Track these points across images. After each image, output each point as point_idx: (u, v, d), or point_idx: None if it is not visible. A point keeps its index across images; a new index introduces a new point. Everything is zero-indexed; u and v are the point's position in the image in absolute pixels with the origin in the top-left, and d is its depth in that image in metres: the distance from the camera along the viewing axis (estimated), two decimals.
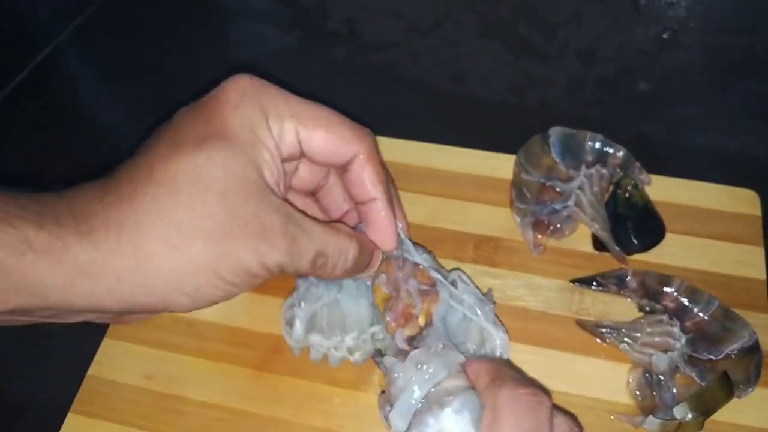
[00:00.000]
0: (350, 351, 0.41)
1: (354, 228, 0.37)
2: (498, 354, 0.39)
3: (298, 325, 0.41)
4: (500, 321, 0.41)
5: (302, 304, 0.41)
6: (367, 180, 0.36)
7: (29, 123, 0.61)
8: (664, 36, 0.62)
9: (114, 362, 0.44)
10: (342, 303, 0.41)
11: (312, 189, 0.40)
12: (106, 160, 0.56)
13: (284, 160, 0.34)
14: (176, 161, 0.30)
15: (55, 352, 0.48)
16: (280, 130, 0.33)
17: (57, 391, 0.44)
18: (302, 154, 0.35)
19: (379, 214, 0.37)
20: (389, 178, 0.39)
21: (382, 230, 0.37)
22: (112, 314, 0.32)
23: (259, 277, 0.32)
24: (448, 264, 0.46)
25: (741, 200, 0.49)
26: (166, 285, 0.30)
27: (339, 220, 0.40)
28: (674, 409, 0.38)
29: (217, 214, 0.30)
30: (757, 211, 0.48)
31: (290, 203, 0.33)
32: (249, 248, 0.30)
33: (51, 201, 0.29)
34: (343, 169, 0.37)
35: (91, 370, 0.44)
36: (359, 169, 0.36)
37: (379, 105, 0.59)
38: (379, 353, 0.40)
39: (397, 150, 0.53)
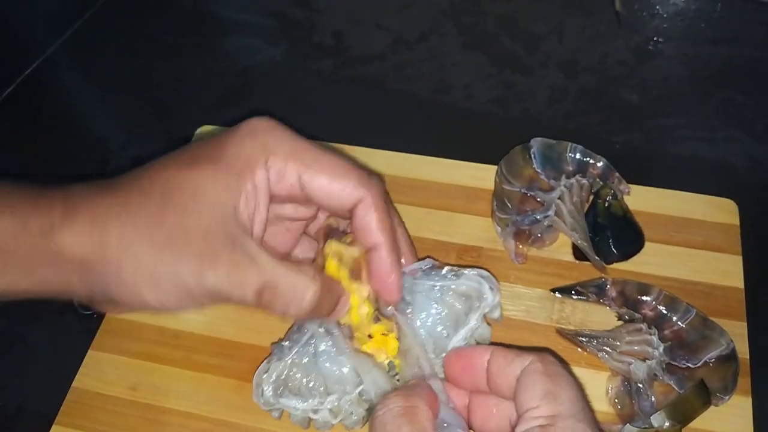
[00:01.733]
0: (333, 414, 0.39)
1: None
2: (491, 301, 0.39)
3: (265, 387, 0.39)
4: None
5: (271, 364, 0.39)
6: (370, 226, 0.35)
7: (20, 133, 0.62)
8: (649, 47, 0.62)
9: (99, 373, 0.45)
10: (319, 363, 0.38)
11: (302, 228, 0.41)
12: (97, 170, 0.58)
13: (282, 200, 0.35)
14: (161, 173, 0.34)
15: (40, 363, 0.48)
16: (280, 170, 0.34)
17: (42, 403, 0.45)
18: (306, 198, 0.35)
19: (381, 262, 0.36)
20: (398, 221, 0.39)
21: (384, 280, 0.36)
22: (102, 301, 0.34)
23: (198, 298, 0.32)
24: None
25: (720, 209, 0.50)
26: (122, 279, 0.32)
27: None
28: (652, 418, 0.39)
29: (169, 226, 0.32)
30: (736, 220, 0.49)
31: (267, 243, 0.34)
32: (189, 264, 0.32)
33: (49, 191, 0.33)
34: (349, 215, 0.36)
35: (77, 382, 0.45)
36: (363, 214, 0.35)
37: (365, 116, 0.60)
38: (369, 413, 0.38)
39: (382, 161, 0.53)
